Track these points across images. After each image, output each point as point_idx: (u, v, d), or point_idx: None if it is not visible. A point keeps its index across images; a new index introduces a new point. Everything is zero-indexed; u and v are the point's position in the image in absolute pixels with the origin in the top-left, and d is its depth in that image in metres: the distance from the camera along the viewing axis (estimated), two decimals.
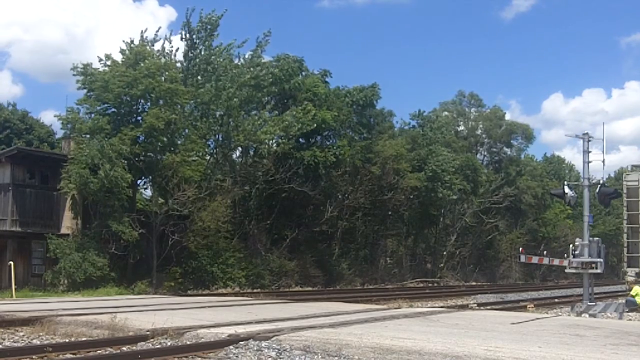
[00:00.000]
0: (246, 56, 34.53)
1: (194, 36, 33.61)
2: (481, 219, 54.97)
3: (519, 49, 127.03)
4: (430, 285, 42.89)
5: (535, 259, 26.15)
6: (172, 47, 32.97)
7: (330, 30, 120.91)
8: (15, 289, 23.70)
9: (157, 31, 31.61)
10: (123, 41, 30.47)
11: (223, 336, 10.75)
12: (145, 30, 31.87)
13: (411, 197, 45.16)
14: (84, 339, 11.12)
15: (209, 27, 33.55)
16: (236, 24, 74.36)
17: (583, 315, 20.35)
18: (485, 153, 61.92)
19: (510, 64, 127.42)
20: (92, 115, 29.12)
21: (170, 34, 35.11)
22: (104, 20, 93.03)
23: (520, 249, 30.17)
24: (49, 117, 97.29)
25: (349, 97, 40.85)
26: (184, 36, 33.70)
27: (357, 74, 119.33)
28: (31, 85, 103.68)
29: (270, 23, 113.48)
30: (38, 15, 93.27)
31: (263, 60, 35.27)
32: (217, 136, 34.24)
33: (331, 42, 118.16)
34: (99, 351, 9.98)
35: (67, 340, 10.92)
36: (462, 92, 62.19)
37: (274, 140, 35.28)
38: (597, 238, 22.27)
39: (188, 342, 10.53)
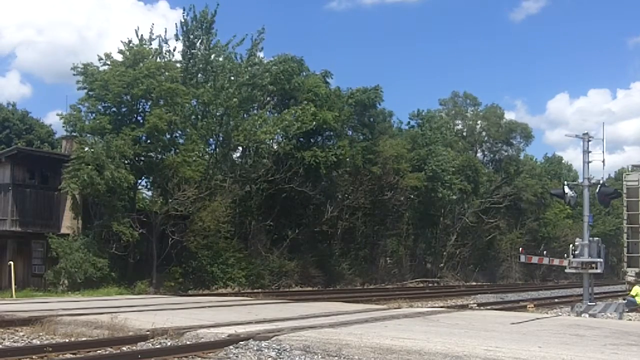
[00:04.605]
0: (244, 55, 34.58)
1: (191, 35, 33.59)
2: (481, 219, 54.93)
3: (525, 49, 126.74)
4: (430, 285, 42.90)
5: (535, 259, 26.12)
6: (169, 47, 33.04)
7: (337, 31, 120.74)
8: (15, 289, 23.71)
9: (151, 31, 31.37)
10: (121, 41, 30.51)
11: (223, 336, 10.76)
12: (149, 33, 31.75)
13: (411, 197, 45.19)
14: (84, 339, 11.12)
15: (204, 24, 33.53)
16: (242, 26, 74.46)
17: (583, 315, 20.33)
18: (486, 152, 61.88)
19: (515, 64, 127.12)
20: (94, 115, 29.13)
21: (166, 33, 34.77)
22: (115, 22, 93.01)
23: (520, 249, 30.16)
24: (56, 118, 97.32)
25: (352, 99, 40.88)
26: (180, 36, 33.69)
27: (363, 74, 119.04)
28: (40, 86, 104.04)
29: (277, 24, 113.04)
30: (51, 18, 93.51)
31: (263, 60, 35.26)
32: (217, 136, 34.23)
33: (338, 43, 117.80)
34: (99, 351, 9.99)
35: (67, 340, 10.93)
36: (457, 93, 61.89)
37: (274, 140, 35.23)
38: (597, 238, 22.23)
39: (188, 342, 10.54)
